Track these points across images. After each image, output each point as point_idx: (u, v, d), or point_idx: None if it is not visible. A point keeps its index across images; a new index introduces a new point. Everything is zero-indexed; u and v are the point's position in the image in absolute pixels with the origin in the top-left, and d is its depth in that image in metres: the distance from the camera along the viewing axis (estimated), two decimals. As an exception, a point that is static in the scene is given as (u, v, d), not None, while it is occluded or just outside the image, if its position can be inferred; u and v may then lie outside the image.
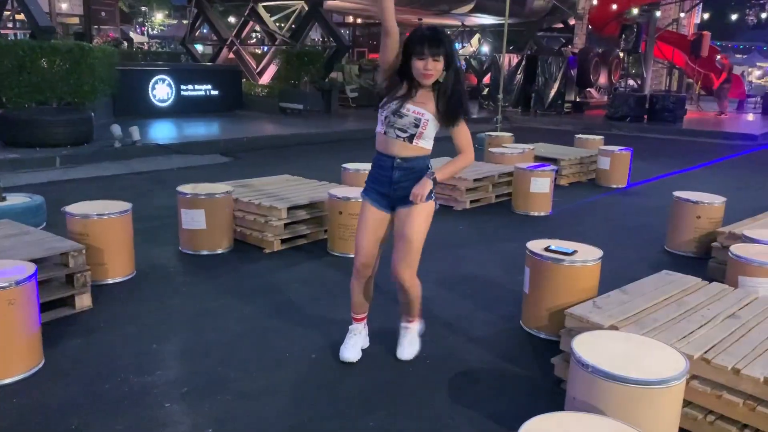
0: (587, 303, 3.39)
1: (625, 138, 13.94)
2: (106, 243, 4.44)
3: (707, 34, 21.01)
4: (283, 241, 5.42)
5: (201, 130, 12.66)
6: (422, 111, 3.10)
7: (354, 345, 3.50)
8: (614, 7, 21.34)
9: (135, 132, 10.02)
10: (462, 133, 3.20)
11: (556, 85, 18.99)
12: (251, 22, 19.15)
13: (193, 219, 5.16)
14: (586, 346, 2.66)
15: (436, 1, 21.76)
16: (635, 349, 2.67)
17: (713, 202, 5.56)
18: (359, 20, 31.27)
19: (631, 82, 26.52)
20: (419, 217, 3.18)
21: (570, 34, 26.71)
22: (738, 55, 44.11)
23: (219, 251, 5.27)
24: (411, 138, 3.13)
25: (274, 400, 3.07)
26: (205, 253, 5.23)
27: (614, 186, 8.68)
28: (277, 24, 19.61)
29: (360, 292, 3.44)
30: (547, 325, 3.82)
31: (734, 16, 47.61)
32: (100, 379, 3.19)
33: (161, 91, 14.43)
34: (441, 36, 3.00)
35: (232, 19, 26.37)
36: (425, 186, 3.09)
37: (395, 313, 3.64)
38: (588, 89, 21.68)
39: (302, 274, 4.92)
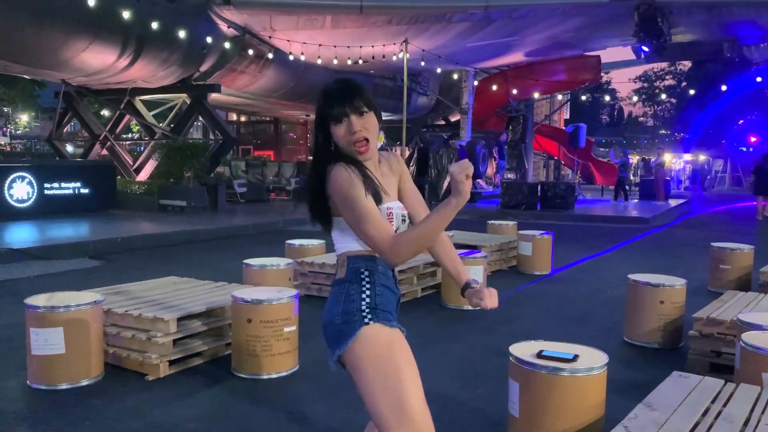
0: (619, 430, 2.46)
1: (523, 225, 13.70)
2: None
3: (583, 125, 22.00)
4: (171, 363, 4.15)
5: (68, 231, 11.01)
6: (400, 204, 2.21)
7: None
8: (493, 88, 22.12)
9: (-19, 235, 8.36)
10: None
11: (448, 177, 18.89)
12: (127, 116, 17.82)
13: (46, 341, 3.81)
14: None
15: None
16: None
17: (674, 284, 4.94)
18: (243, 117, 30.66)
19: (510, 175, 27.24)
20: None
21: (450, 130, 27.38)
22: (601, 149, 47.71)
23: (84, 383, 3.93)
24: None
25: None
26: (64, 387, 3.87)
27: (538, 273, 8.06)
28: (159, 121, 18.40)
29: None
30: (549, 460, 2.84)
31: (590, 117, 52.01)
32: None
33: (20, 190, 12.65)
34: (354, 85, 2.08)
35: (105, 113, 24.81)
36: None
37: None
38: (477, 180, 21.88)
39: (201, 408, 3.67)
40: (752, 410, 2.72)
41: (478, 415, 3.57)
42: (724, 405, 2.78)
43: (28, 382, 3.96)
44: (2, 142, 33.45)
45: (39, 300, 3.95)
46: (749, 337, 3.39)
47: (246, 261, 5.74)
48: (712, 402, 2.82)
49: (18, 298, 6.45)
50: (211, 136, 18.91)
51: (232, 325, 4.25)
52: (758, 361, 3.26)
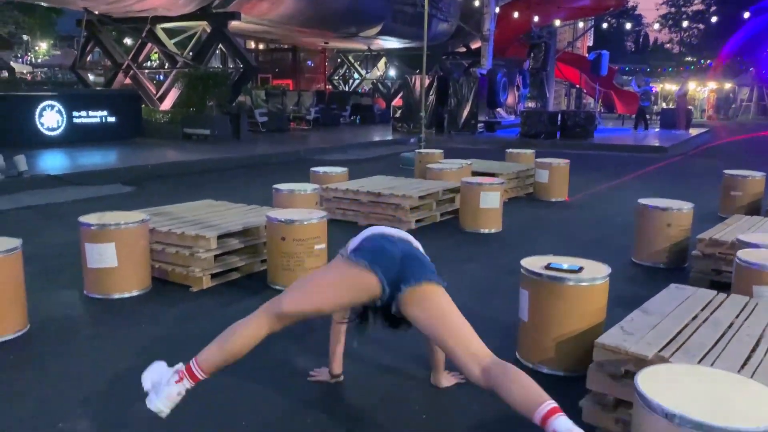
0: (615, 330, 2.80)
1: (542, 154, 13.84)
2: (-13, 291, 3.46)
3: (606, 53, 21.68)
4: (213, 276, 4.56)
5: (98, 159, 11.43)
6: None
7: None
8: (515, 14, 21.77)
9: (21, 162, 8.76)
10: None
11: (468, 106, 18.92)
12: (149, 45, 17.93)
13: (100, 255, 4.21)
14: (656, 389, 2.04)
15: (344, 23, 21.38)
16: (715, 388, 2.08)
17: (682, 208, 5.20)
18: (261, 45, 30.47)
19: (531, 104, 26.97)
20: None
21: (471, 58, 27.04)
22: (625, 77, 46.79)
23: (135, 293, 4.35)
24: None
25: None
26: (116, 296, 4.29)
27: (554, 199, 8.33)
28: (179, 48, 18.46)
29: None
30: (553, 358, 3.21)
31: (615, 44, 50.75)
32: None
33: (50, 118, 13.02)
34: None
35: (127, 42, 24.85)
36: None
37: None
38: (497, 109, 21.85)
39: (244, 313, 4.03)
40: (737, 316, 3.04)
41: (492, 323, 3.94)
42: (713, 312, 3.11)
43: (84, 291, 4.39)
44: (24, 71, 33.65)
45: (92, 219, 4.32)
46: (744, 254, 3.68)
47: (275, 186, 6.07)
48: (702, 309, 3.14)
49: (61, 220, 6.91)
50: (230, 65, 18.97)
51: (267, 243, 4.62)
52: (751, 276, 3.57)
